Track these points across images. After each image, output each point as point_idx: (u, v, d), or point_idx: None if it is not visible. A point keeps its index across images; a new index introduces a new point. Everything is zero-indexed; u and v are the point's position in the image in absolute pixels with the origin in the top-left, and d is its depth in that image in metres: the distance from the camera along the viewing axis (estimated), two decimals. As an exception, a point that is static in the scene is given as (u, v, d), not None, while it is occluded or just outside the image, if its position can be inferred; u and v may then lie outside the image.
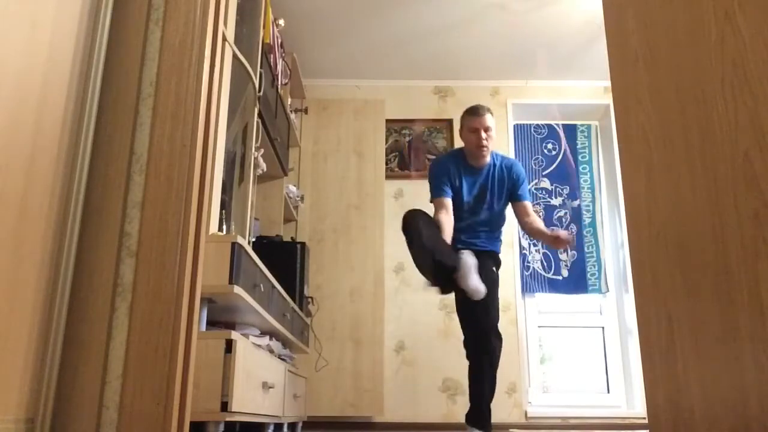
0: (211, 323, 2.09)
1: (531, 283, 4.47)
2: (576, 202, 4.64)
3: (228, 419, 1.74)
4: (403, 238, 2.62)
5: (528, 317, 4.44)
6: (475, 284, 2.53)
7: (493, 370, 2.68)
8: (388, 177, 4.48)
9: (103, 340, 1.34)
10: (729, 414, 0.98)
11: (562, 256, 4.53)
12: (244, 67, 2.52)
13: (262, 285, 2.23)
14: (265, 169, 3.12)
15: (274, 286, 2.50)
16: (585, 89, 4.73)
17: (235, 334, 1.83)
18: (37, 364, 1.25)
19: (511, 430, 3.68)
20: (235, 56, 2.30)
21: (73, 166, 1.38)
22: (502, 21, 4.02)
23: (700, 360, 1.07)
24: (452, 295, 2.89)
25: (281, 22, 3.51)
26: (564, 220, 4.61)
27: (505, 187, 2.95)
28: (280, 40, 3.56)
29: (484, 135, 2.84)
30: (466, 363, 2.78)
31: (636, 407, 4.15)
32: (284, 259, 3.31)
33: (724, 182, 0.98)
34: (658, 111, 1.23)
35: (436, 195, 2.88)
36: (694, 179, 1.08)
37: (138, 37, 1.52)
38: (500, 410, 3.97)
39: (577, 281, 4.47)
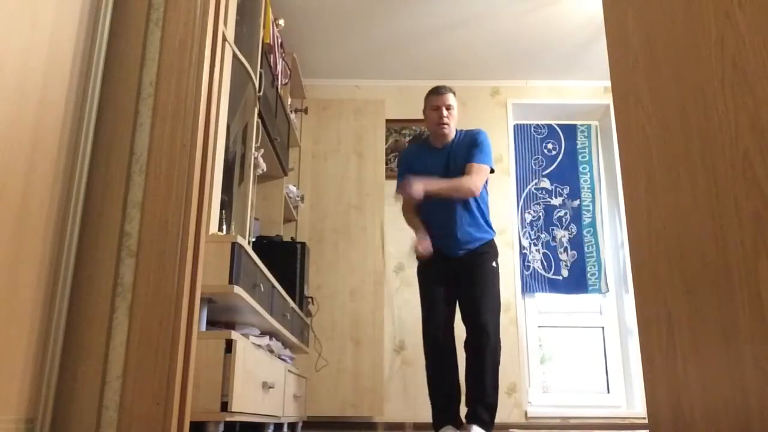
0: (211, 323, 2.10)
1: (531, 283, 4.47)
2: (576, 202, 4.64)
3: (228, 419, 1.74)
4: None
5: (528, 317, 4.44)
6: None
7: (483, 374, 2.67)
8: (388, 177, 4.48)
9: (103, 340, 1.34)
10: (729, 414, 0.98)
11: (562, 256, 4.53)
12: (244, 67, 2.52)
13: (262, 285, 2.23)
14: (265, 169, 3.12)
15: (274, 286, 2.50)
16: (585, 89, 4.73)
17: (235, 334, 1.83)
18: (37, 364, 1.25)
19: (511, 430, 3.68)
20: (235, 56, 2.30)
21: (73, 166, 1.38)
22: (502, 21, 4.02)
23: (700, 360, 1.07)
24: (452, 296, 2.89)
25: (281, 22, 3.51)
26: (564, 220, 4.61)
27: (466, 159, 2.81)
28: (280, 40, 3.56)
29: (445, 113, 2.85)
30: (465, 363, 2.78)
31: (636, 407, 4.15)
32: (284, 259, 3.31)
33: (724, 182, 0.98)
34: (658, 111, 1.23)
35: (397, 188, 2.90)
36: (694, 179, 1.08)
37: (138, 37, 1.52)
38: (500, 410, 3.95)
39: (577, 281, 4.47)
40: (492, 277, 2.78)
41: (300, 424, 3.44)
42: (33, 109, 1.25)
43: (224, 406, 1.72)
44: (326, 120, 4.53)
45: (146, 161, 1.46)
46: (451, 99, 2.89)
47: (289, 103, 4.01)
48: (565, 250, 4.54)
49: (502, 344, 2.74)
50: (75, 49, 1.40)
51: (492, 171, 2.86)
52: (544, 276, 4.49)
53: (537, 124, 4.82)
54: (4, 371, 1.16)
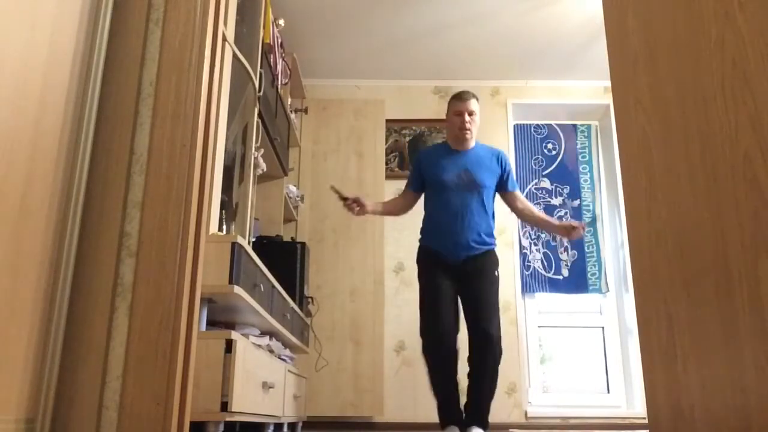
0: (211, 323, 2.10)
1: (531, 282, 4.48)
2: (576, 202, 4.64)
3: (228, 419, 1.74)
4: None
5: (528, 317, 4.44)
6: None
7: (483, 377, 2.70)
8: (388, 177, 4.48)
9: (103, 340, 1.34)
10: (729, 414, 0.98)
11: (563, 256, 4.53)
12: (244, 67, 2.52)
13: (262, 285, 2.23)
14: (265, 169, 3.12)
15: (274, 286, 2.51)
16: (585, 89, 4.73)
17: (235, 334, 1.83)
18: (37, 364, 1.26)
19: (511, 430, 3.68)
20: (235, 56, 2.30)
21: (73, 166, 1.38)
22: (502, 21, 4.02)
23: (700, 360, 1.07)
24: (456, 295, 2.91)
25: (281, 22, 3.51)
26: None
27: (489, 169, 2.90)
28: (280, 40, 3.56)
29: (468, 118, 2.91)
30: (465, 363, 2.80)
31: (636, 407, 4.15)
32: (284, 259, 3.31)
33: (724, 182, 0.98)
34: (658, 111, 1.23)
35: (406, 186, 3.10)
36: (694, 179, 1.08)
37: (138, 37, 1.52)
38: (500, 410, 3.98)
39: (578, 281, 4.47)
40: (495, 284, 2.81)
41: (300, 424, 3.44)
42: (33, 109, 1.25)
43: (224, 406, 1.72)
44: (326, 120, 4.53)
45: (146, 161, 1.46)
46: (473, 105, 2.94)
47: (289, 103, 4.01)
48: (566, 249, 4.54)
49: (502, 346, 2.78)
50: (75, 49, 1.40)
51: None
52: (544, 276, 4.50)
53: (537, 124, 4.82)
54: (4, 371, 1.16)
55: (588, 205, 4.63)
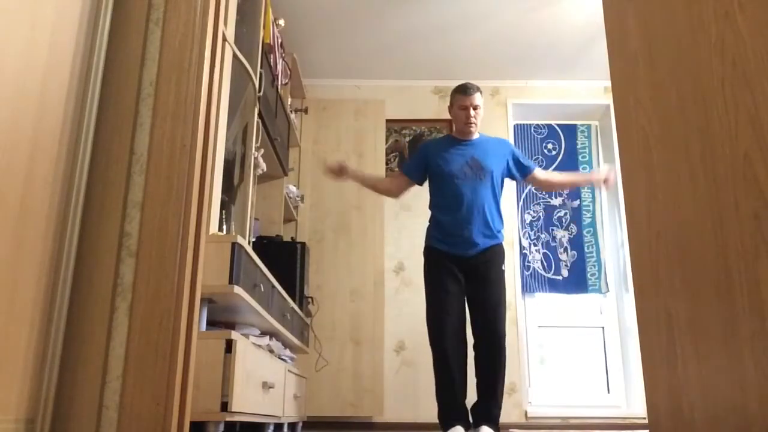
0: (211, 323, 2.10)
1: (531, 283, 4.48)
2: (576, 202, 4.64)
3: (228, 419, 1.74)
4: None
5: (528, 317, 4.44)
6: None
7: (489, 374, 2.70)
8: (388, 177, 4.47)
9: (103, 340, 1.34)
10: (729, 414, 0.98)
11: (562, 256, 4.53)
12: (244, 67, 2.52)
13: (262, 285, 2.23)
14: (265, 169, 3.12)
15: (274, 286, 2.51)
16: (585, 89, 4.73)
17: (235, 334, 1.83)
18: (37, 364, 1.26)
19: (511, 430, 3.68)
20: (235, 56, 2.30)
21: (73, 166, 1.38)
22: (502, 21, 4.02)
23: (700, 360, 1.07)
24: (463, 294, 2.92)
25: (281, 22, 3.51)
26: (564, 220, 4.61)
27: (496, 155, 2.92)
28: (280, 40, 3.56)
29: (472, 113, 2.92)
30: (467, 363, 2.80)
31: (636, 407, 4.15)
32: (284, 259, 3.31)
33: (724, 182, 0.98)
34: (658, 111, 1.23)
35: (398, 169, 3.03)
36: (694, 179, 1.09)
37: (138, 37, 1.52)
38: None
39: (577, 281, 4.47)
40: (502, 281, 2.82)
41: (300, 424, 3.44)
42: (33, 109, 1.25)
43: (224, 406, 1.72)
44: (326, 120, 4.53)
45: (146, 161, 1.46)
46: (478, 99, 2.93)
47: (289, 103, 4.01)
48: (565, 250, 4.54)
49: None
50: (75, 49, 1.40)
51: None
52: (544, 276, 4.49)
53: (537, 124, 4.82)
54: (4, 371, 1.16)
55: (588, 205, 4.63)
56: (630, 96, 1.36)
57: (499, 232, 2.89)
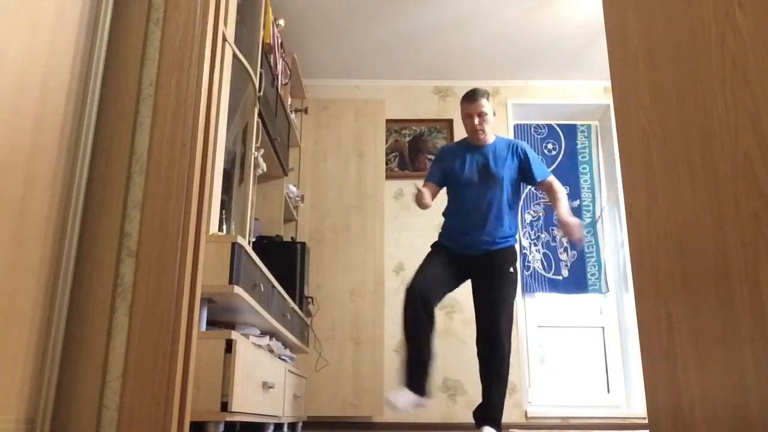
0: (211, 323, 2.09)
1: (531, 283, 4.48)
2: (576, 202, 4.64)
3: (228, 419, 1.74)
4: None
5: (528, 317, 4.44)
6: (399, 405, 2.60)
7: (490, 374, 2.71)
8: (388, 177, 4.48)
9: (103, 340, 1.34)
10: (729, 414, 0.98)
11: (562, 256, 4.53)
12: (244, 67, 2.52)
13: (262, 285, 2.23)
14: (265, 169, 3.12)
15: (274, 286, 2.50)
16: (585, 89, 4.73)
17: (235, 334, 1.83)
18: (37, 364, 1.26)
19: (511, 430, 3.68)
20: (235, 56, 2.30)
21: (73, 166, 1.38)
22: (502, 21, 4.02)
23: (700, 360, 1.07)
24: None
25: (281, 22, 3.51)
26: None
27: (507, 161, 2.91)
28: (280, 40, 3.56)
29: (477, 120, 2.92)
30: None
31: (636, 407, 4.15)
32: (284, 259, 3.31)
33: (724, 182, 0.98)
34: (658, 111, 1.23)
35: (425, 179, 3.05)
36: (694, 179, 1.08)
37: (138, 37, 1.52)
38: (500, 410, 3.97)
39: (577, 281, 4.47)
40: (508, 283, 2.82)
41: (300, 424, 3.44)
42: (33, 109, 1.25)
43: (224, 406, 1.72)
44: (326, 120, 4.53)
45: (146, 161, 1.46)
46: (483, 105, 2.94)
47: (289, 103, 4.01)
48: (565, 250, 4.54)
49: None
50: (75, 49, 1.40)
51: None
52: (544, 276, 4.49)
53: (537, 124, 4.82)
54: (4, 371, 1.16)
55: (588, 205, 4.63)
56: (630, 96, 1.36)
57: (509, 236, 2.91)
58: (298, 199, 4.20)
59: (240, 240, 1.91)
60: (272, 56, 3.31)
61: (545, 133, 4.80)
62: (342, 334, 4.04)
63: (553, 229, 4.59)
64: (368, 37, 4.20)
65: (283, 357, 2.77)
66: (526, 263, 4.52)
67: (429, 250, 2.96)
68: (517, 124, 4.79)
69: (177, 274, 1.38)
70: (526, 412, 4.09)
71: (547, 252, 4.54)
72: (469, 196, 2.89)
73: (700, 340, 1.07)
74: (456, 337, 4.19)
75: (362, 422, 3.98)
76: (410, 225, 4.40)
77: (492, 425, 2.65)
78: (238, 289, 1.87)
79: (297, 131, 4.34)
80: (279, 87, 3.52)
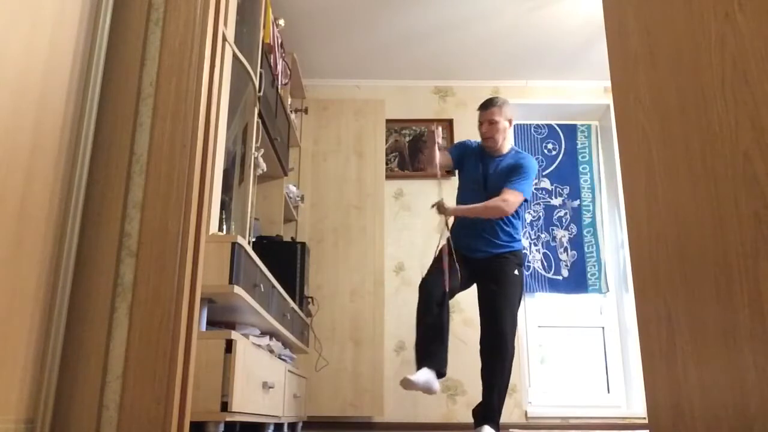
0: (211, 323, 2.09)
1: (531, 283, 4.47)
2: (576, 202, 4.64)
3: (228, 419, 1.74)
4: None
5: (528, 317, 4.44)
6: (419, 385, 2.59)
7: (490, 373, 2.72)
8: (388, 177, 4.48)
9: (103, 340, 1.34)
10: (729, 414, 0.98)
11: (562, 256, 4.53)
12: (244, 67, 2.52)
13: (262, 285, 2.23)
14: (265, 169, 3.12)
15: (274, 286, 2.50)
16: (585, 89, 4.73)
17: (235, 334, 1.83)
18: (37, 364, 1.25)
19: (511, 430, 3.68)
20: (235, 56, 2.30)
21: (73, 166, 1.38)
22: (502, 21, 4.01)
23: (700, 360, 1.07)
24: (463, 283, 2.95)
25: (281, 22, 3.51)
26: (564, 220, 4.61)
27: (507, 177, 2.94)
28: (280, 40, 3.56)
29: (486, 127, 2.98)
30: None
31: (636, 407, 4.15)
32: (284, 259, 3.31)
33: (724, 182, 0.98)
34: (658, 111, 1.23)
35: (448, 150, 3.17)
36: (694, 179, 1.08)
37: (138, 37, 1.52)
38: (500, 410, 3.97)
39: (578, 281, 4.47)
40: (513, 284, 2.83)
41: (300, 424, 3.44)
42: (33, 109, 1.25)
43: (224, 406, 1.72)
44: (326, 120, 4.53)
45: (146, 161, 1.46)
46: (495, 113, 2.98)
47: (289, 103, 4.01)
48: (565, 250, 4.54)
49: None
50: (75, 49, 1.40)
51: (525, 200, 2.94)
52: (544, 276, 4.49)
53: (537, 124, 4.82)
54: (4, 371, 1.16)
55: (588, 206, 4.63)
56: (630, 96, 1.36)
57: (511, 242, 2.93)
58: (298, 199, 4.20)
59: (240, 240, 1.91)
60: (272, 56, 3.31)
61: (545, 133, 4.80)
62: (342, 334, 4.04)
63: (553, 229, 4.59)
64: (368, 37, 4.20)
65: (283, 357, 2.77)
66: (526, 263, 4.51)
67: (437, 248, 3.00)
68: (517, 124, 4.79)
69: (177, 274, 1.38)
70: (526, 412, 4.09)
71: (547, 252, 4.54)
72: (467, 199, 2.95)
73: (700, 340, 1.07)
74: (456, 337, 4.18)
75: (362, 422, 3.97)
76: (410, 225, 4.40)
77: (491, 425, 2.66)
78: (238, 289, 1.87)
79: (297, 131, 4.34)
80: (279, 87, 3.52)
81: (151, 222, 1.41)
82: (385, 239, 4.27)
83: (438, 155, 2.93)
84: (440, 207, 2.88)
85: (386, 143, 4.57)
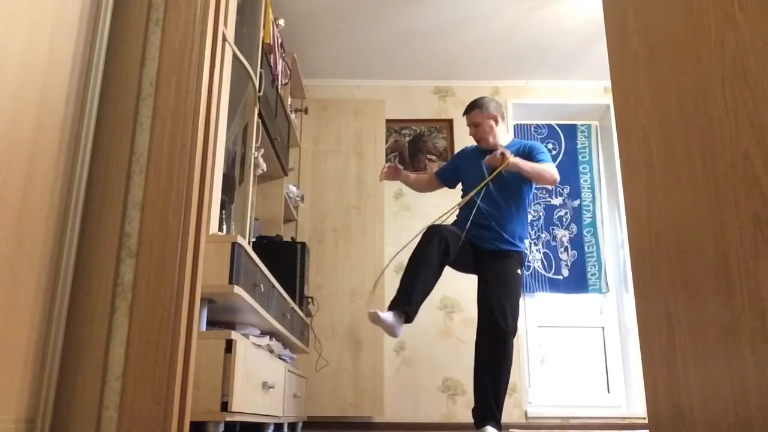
0: (211, 323, 2.10)
1: (531, 282, 4.47)
2: (576, 202, 4.64)
3: (228, 419, 1.74)
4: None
5: (528, 317, 4.44)
6: (386, 324, 2.58)
7: (492, 371, 2.71)
8: (425, 176, 4.47)
9: (103, 340, 1.34)
10: (729, 414, 0.98)
11: (563, 256, 4.53)
12: (244, 67, 2.52)
13: (262, 285, 2.23)
14: (265, 169, 3.12)
15: (274, 286, 2.50)
16: (585, 89, 4.73)
17: (235, 334, 1.83)
18: (37, 364, 1.26)
19: (511, 430, 3.68)
20: (235, 56, 2.30)
21: (73, 166, 1.38)
22: (502, 21, 4.02)
23: (700, 360, 1.07)
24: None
25: (281, 22, 3.51)
26: (564, 219, 4.61)
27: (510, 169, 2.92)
28: (280, 40, 3.56)
29: (472, 130, 3.05)
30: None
31: (636, 407, 4.15)
32: (284, 259, 3.31)
33: (724, 182, 0.98)
34: (658, 111, 1.23)
35: (437, 169, 3.30)
36: (694, 179, 1.09)
37: (138, 37, 1.52)
38: (500, 410, 3.97)
39: (578, 281, 4.47)
40: (516, 282, 2.86)
41: (300, 424, 3.44)
42: (33, 108, 1.25)
43: (224, 406, 1.72)
44: (326, 120, 4.53)
45: (146, 161, 1.46)
46: (476, 116, 3.02)
47: (289, 103, 4.01)
48: (566, 249, 4.54)
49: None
50: (75, 49, 1.40)
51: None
52: (544, 276, 4.49)
53: (537, 124, 4.82)
54: (4, 371, 1.16)
55: (588, 205, 4.63)
56: (630, 96, 1.36)
57: (519, 242, 2.93)
58: (298, 199, 4.20)
59: (240, 240, 1.91)
60: (272, 56, 3.31)
61: (545, 133, 4.80)
62: (342, 334, 4.04)
63: (553, 229, 4.59)
64: (368, 37, 4.20)
65: (283, 357, 2.77)
66: (526, 263, 4.51)
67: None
68: (517, 124, 4.79)
69: (177, 274, 1.38)
70: (526, 412, 4.09)
71: (548, 252, 4.54)
72: (474, 201, 2.93)
73: (700, 340, 1.07)
74: (456, 337, 4.19)
75: (362, 422, 3.98)
76: (410, 225, 4.40)
77: (493, 424, 2.65)
78: (238, 289, 1.87)
79: (297, 131, 4.34)
80: (279, 87, 3.52)
81: (151, 222, 1.41)
82: (385, 239, 4.27)
83: (411, 176, 3.14)
84: (504, 154, 2.75)
85: (386, 143, 4.57)
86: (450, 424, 4.00)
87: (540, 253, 4.54)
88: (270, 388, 2.25)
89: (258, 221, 3.57)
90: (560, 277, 4.48)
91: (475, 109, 3.02)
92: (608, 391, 4.29)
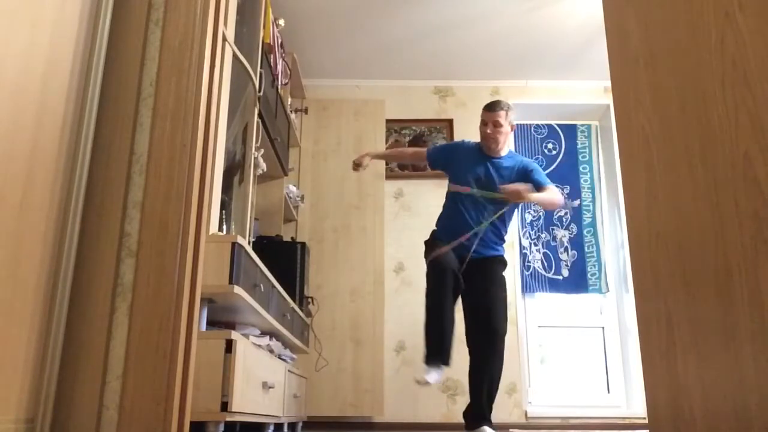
0: (211, 323, 2.10)
1: (531, 282, 4.47)
2: (576, 202, 4.64)
3: (228, 419, 1.74)
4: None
5: (528, 317, 4.44)
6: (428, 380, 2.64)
7: (489, 372, 2.73)
8: (388, 177, 4.48)
9: (103, 340, 1.34)
10: (729, 414, 0.98)
11: (563, 256, 4.53)
12: (244, 67, 2.52)
13: (262, 285, 2.23)
14: (265, 169, 3.12)
15: (274, 286, 2.50)
16: (585, 89, 4.73)
17: (235, 334, 1.83)
18: (37, 364, 1.25)
19: (511, 430, 3.68)
20: (235, 56, 2.30)
21: (73, 166, 1.38)
22: (502, 21, 4.02)
23: (700, 360, 1.07)
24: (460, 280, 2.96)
25: (281, 22, 3.51)
26: (564, 219, 4.61)
27: (509, 180, 2.94)
28: (280, 40, 3.56)
29: (491, 128, 2.99)
30: (466, 363, 2.82)
31: (636, 407, 4.15)
32: (284, 259, 3.31)
33: (724, 182, 0.98)
34: (658, 111, 1.23)
35: (426, 148, 3.32)
36: (694, 179, 1.08)
37: (138, 38, 1.52)
38: (500, 410, 3.97)
39: (578, 281, 4.47)
40: (503, 286, 2.91)
41: (300, 424, 3.44)
42: (33, 109, 1.25)
43: (224, 406, 1.72)
44: (326, 120, 4.53)
45: (146, 161, 1.46)
46: (501, 116, 3.00)
47: (289, 103, 4.01)
48: (566, 249, 4.54)
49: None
50: (75, 49, 1.40)
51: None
52: (544, 276, 4.49)
53: (537, 124, 4.82)
54: (4, 371, 1.16)
55: (588, 205, 4.63)
56: (630, 96, 1.36)
57: (501, 247, 2.99)
58: (298, 199, 4.20)
59: (240, 240, 1.91)
60: (272, 56, 3.31)
61: (545, 133, 4.80)
62: (342, 334, 4.04)
63: (553, 229, 4.59)
64: (368, 37, 4.20)
65: (283, 357, 2.77)
66: (526, 263, 4.52)
67: (431, 243, 3.01)
68: (517, 124, 4.79)
69: (177, 274, 1.38)
70: (526, 412, 4.09)
71: (548, 252, 4.54)
72: (463, 200, 2.96)
73: (700, 340, 1.07)
74: (455, 337, 4.18)
75: (362, 422, 3.97)
76: (410, 225, 4.40)
77: (488, 424, 2.67)
78: (238, 289, 1.87)
79: (297, 131, 4.34)
80: (279, 87, 3.52)
81: (151, 222, 1.41)
82: (385, 239, 4.27)
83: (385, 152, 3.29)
84: (524, 193, 2.78)
85: (386, 143, 4.57)
86: (450, 424, 4.00)
87: (540, 253, 4.54)
88: (270, 388, 2.25)
89: (258, 221, 3.57)
90: (560, 277, 4.48)
91: (502, 110, 3.01)
92: (608, 391, 4.29)
